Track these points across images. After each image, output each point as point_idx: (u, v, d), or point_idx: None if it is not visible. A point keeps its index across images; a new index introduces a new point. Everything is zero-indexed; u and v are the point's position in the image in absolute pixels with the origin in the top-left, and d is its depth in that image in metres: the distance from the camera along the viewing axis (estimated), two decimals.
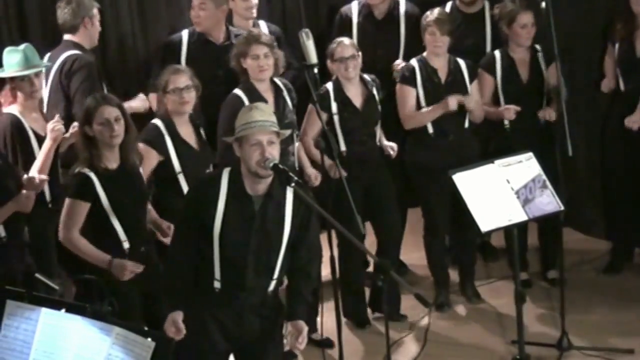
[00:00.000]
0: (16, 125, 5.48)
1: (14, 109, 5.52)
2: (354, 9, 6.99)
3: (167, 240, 5.09)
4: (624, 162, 6.77)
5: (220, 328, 4.47)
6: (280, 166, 4.29)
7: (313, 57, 5.81)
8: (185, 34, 6.57)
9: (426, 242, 6.72)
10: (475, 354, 6.03)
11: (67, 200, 4.95)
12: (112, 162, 4.98)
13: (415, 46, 6.69)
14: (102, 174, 4.90)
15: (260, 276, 4.44)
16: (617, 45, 6.73)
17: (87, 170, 4.89)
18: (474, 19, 6.96)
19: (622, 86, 6.72)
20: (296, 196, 4.37)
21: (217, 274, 4.42)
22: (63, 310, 3.53)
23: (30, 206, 5.05)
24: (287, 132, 4.57)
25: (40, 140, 5.50)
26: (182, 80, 5.53)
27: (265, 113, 4.39)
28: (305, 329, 4.44)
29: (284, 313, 4.55)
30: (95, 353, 3.43)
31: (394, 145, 6.34)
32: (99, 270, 4.79)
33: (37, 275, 4.41)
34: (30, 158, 5.45)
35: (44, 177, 5.28)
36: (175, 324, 4.33)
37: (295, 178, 4.29)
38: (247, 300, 4.46)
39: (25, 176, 5.18)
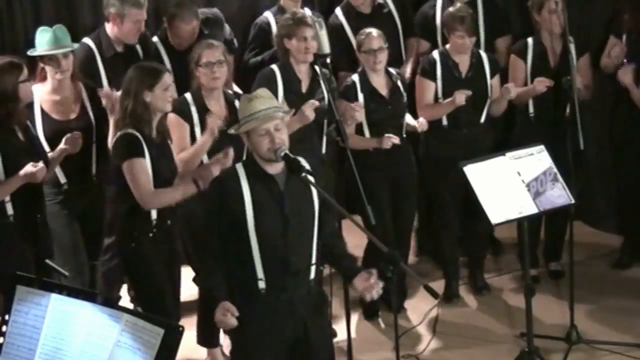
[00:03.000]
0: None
1: (37, 88, 5.49)
2: (339, 15, 6.92)
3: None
4: (634, 156, 6.75)
5: (271, 330, 4.37)
6: (291, 155, 4.28)
7: (326, 47, 5.81)
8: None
9: (437, 234, 6.72)
10: (483, 346, 6.04)
11: (124, 165, 4.91)
12: (151, 131, 5.03)
13: (412, 30, 6.74)
14: (145, 136, 4.95)
15: (301, 261, 4.37)
16: (624, 37, 6.70)
17: (131, 130, 4.93)
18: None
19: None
20: (307, 184, 4.35)
21: (260, 272, 4.33)
22: (73, 296, 3.53)
23: (40, 176, 4.96)
24: (291, 112, 4.53)
25: (51, 126, 5.49)
26: (216, 54, 5.54)
27: (265, 100, 4.35)
28: (375, 275, 4.34)
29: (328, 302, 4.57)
30: (105, 339, 3.43)
31: (420, 119, 6.26)
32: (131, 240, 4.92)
33: (48, 261, 4.43)
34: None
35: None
36: (227, 308, 4.25)
37: (306, 167, 4.30)
38: (294, 293, 4.37)
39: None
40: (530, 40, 6.64)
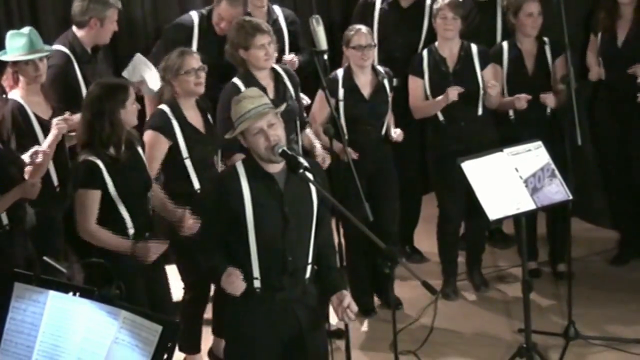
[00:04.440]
0: (19, 111, 5.43)
1: (16, 94, 5.46)
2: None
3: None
4: (617, 151, 6.80)
5: (266, 330, 4.36)
6: (289, 152, 4.28)
7: (323, 43, 5.80)
8: (195, 16, 6.55)
9: (438, 230, 6.74)
10: (481, 342, 6.04)
11: (77, 192, 4.89)
12: (118, 151, 4.94)
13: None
14: (107, 161, 4.86)
15: (298, 261, 4.37)
16: (599, 35, 6.72)
17: (93, 158, 4.84)
18: (486, 8, 6.93)
19: (603, 76, 6.71)
20: (304, 180, 4.34)
21: (256, 271, 4.32)
22: (71, 294, 3.53)
23: (36, 193, 5.01)
24: (282, 107, 4.49)
25: (44, 124, 5.47)
26: (196, 60, 5.51)
27: (255, 99, 4.34)
28: (349, 297, 4.36)
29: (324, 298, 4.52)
30: (103, 336, 3.43)
31: (397, 130, 6.30)
32: (107, 254, 4.76)
33: (45, 258, 4.42)
34: (33, 143, 5.40)
35: (48, 150, 5.26)
36: (232, 273, 4.23)
37: (305, 164, 4.30)
38: (290, 292, 4.37)
39: (27, 155, 5.17)
40: (505, 44, 6.64)
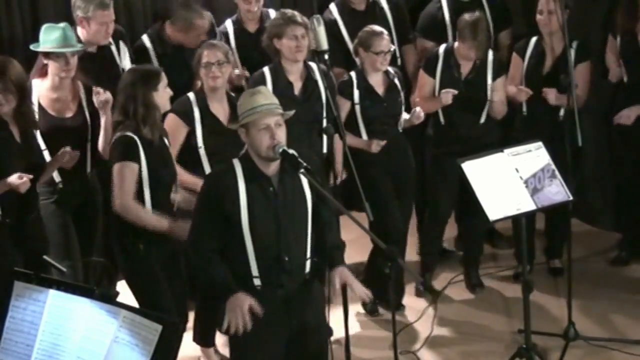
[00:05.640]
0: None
1: (37, 83, 5.49)
2: (334, 11, 6.90)
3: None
4: (632, 153, 6.76)
5: (268, 327, 4.35)
6: (289, 151, 4.29)
7: (324, 43, 5.78)
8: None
9: (426, 226, 6.78)
10: (481, 342, 6.04)
11: (115, 166, 4.91)
12: (153, 134, 5.01)
13: (404, 32, 6.74)
14: (144, 140, 4.93)
15: (296, 259, 4.38)
16: (618, 38, 6.70)
17: (130, 133, 4.91)
18: (475, 5, 6.88)
19: (625, 78, 6.70)
20: (307, 178, 4.35)
21: (255, 269, 4.34)
22: (70, 292, 3.53)
23: (24, 189, 4.95)
24: (291, 112, 4.47)
25: (54, 122, 5.48)
26: (217, 54, 5.55)
27: (268, 96, 4.37)
28: (347, 271, 4.41)
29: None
30: (103, 335, 3.43)
31: (415, 109, 6.22)
32: (143, 235, 4.84)
33: (45, 257, 4.42)
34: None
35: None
36: (245, 301, 4.22)
37: (304, 164, 4.29)
38: (290, 289, 4.38)
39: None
40: (533, 39, 6.61)
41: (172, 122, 5.48)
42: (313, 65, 5.93)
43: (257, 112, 4.29)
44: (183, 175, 5.34)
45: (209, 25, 6.40)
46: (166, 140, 5.18)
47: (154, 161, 4.96)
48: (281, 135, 4.31)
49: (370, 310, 6.40)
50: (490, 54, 6.49)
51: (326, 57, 5.85)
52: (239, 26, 6.60)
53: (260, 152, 4.31)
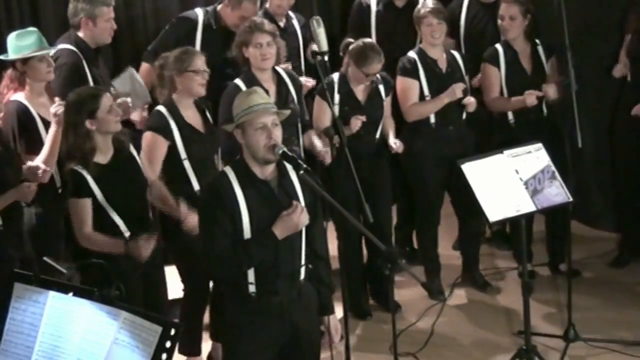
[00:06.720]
0: (23, 113, 5.38)
1: (20, 97, 5.41)
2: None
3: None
4: (634, 154, 6.76)
5: (263, 334, 4.34)
6: (290, 153, 4.24)
7: (324, 45, 5.80)
8: (200, 13, 6.56)
9: (419, 231, 6.78)
10: (481, 344, 6.04)
11: (70, 201, 4.93)
12: (106, 154, 4.94)
13: None
14: (93, 169, 4.86)
15: (292, 265, 4.35)
16: (628, 37, 6.72)
17: (79, 168, 4.85)
18: (490, 9, 6.93)
19: (629, 77, 6.71)
20: (303, 182, 4.32)
21: (251, 276, 4.29)
22: (71, 294, 3.53)
23: (30, 197, 5.00)
24: (287, 112, 4.46)
25: (48, 125, 5.44)
26: (202, 62, 5.51)
27: (264, 96, 4.33)
28: (336, 321, 4.51)
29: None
30: (103, 337, 3.43)
31: (397, 141, 6.28)
32: (105, 257, 4.68)
33: (45, 258, 4.41)
34: (38, 145, 5.34)
35: (48, 168, 5.17)
36: (284, 216, 4.22)
37: (304, 165, 4.25)
38: (285, 295, 4.34)
39: (26, 164, 5.12)
40: (499, 46, 6.61)
41: (151, 140, 5.39)
42: (279, 69, 5.94)
43: (254, 111, 4.23)
44: (168, 200, 5.31)
45: (255, 12, 6.44)
46: (133, 151, 5.10)
47: (111, 184, 4.89)
48: (278, 135, 4.25)
49: (362, 314, 6.40)
50: (455, 52, 6.59)
51: (326, 58, 5.87)
52: (269, 19, 6.56)
53: (258, 153, 4.24)
